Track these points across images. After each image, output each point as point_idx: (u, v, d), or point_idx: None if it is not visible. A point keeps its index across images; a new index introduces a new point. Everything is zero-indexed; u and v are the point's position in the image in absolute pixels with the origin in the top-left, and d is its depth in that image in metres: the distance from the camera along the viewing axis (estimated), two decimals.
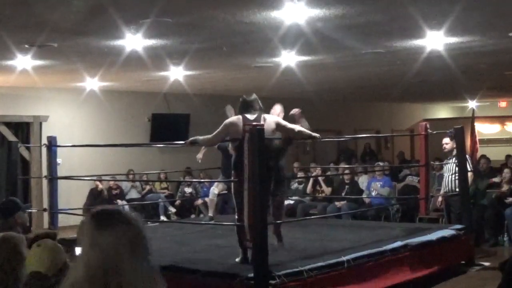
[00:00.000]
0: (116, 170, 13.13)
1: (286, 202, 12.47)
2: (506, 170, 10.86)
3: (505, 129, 23.10)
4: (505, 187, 10.56)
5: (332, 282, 6.36)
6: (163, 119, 14.92)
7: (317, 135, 6.78)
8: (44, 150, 9.69)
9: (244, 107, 6.51)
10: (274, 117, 6.66)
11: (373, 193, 11.75)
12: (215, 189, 9.61)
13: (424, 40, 8.13)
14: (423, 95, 18.62)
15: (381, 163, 13.88)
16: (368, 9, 6.34)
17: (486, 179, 10.96)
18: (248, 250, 6.33)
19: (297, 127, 6.73)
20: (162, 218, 13.62)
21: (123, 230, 1.90)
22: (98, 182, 13.32)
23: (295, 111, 7.38)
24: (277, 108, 7.20)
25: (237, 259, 6.48)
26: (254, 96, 6.59)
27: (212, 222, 9.14)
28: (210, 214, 9.77)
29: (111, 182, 13.53)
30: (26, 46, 7.84)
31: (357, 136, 16.35)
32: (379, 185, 11.70)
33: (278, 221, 6.95)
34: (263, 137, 6.07)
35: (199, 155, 10.06)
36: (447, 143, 9.51)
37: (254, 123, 6.21)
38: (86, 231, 1.93)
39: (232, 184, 6.51)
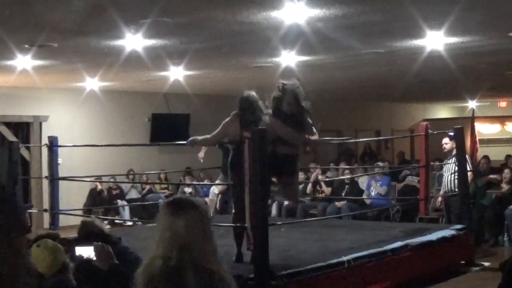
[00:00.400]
0: (116, 170, 13.13)
1: (286, 202, 12.51)
2: (506, 171, 10.85)
3: (505, 129, 23.10)
4: (505, 187, 10.56)
5: (332, 282, 6.37)
6: (163, 119, 14.92)
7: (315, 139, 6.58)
8: (44, 150, 9.68)
9: (244, 107, 6.28)
10: (273, 121, 6.29)
11: (373, 193, 11.75)
12: (215, 189, 9.63)
13: (424, 40, 8.13)
14: (423, 95, 18.63)
15: (380, 163, 13.89)
16: (368, 9, 6.34)
17: (485, 177, 10.96)
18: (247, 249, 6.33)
19: (292, 135, 6.34)
20: None
21: (194, 215, 2.35)
22: (97, 182, 13.31)
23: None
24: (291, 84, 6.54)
25: (233, 258, 6.47)
26: (254, 95, 6.32)
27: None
28: (210, 214, 9.77)
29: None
30: (26, 46, 7.84)
31: (358, 140, 16.33)
32: (378, 184, 11.72)
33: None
34: (264, 140, 6.01)
35: (201, 154, 10.05)
36: (447, 143, 9.51)
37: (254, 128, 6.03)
38: (162, 217, 2.36)
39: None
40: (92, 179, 12.60)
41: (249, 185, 5.98)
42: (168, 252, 2.27)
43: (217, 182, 9.79)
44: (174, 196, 2.57)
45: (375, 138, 19.23)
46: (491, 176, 10.97)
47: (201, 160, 10.06)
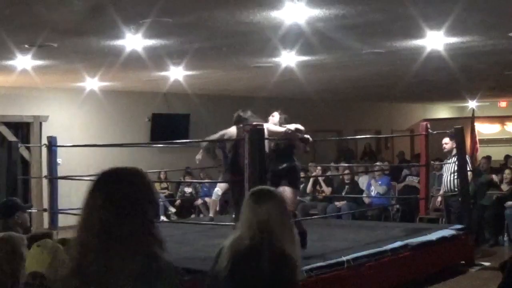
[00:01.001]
0: None
1: None
2: (507, 172, 10.85)
3: (505, 129, 23.07)
4: (505, 188, 10.56)
5: (332, 282, 6.36)
6: (163, 119, 14.91)
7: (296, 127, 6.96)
8: (44, 150, 9.69)
9: (239, 121, 7.02)
10: (265, 125, 6.78)
11: (373, 193, 11.76)
12: (219, 190, 9.58)
13: (424, 40, 8.12)
14: (423, 95, 18.61)
15: (379, 163, 13.88)
16: (368, 9, 6.34)
17: (485, 175, 10.96)
18: None
19: (282, 129, 6.85)
20: (162, 218, 13.60)
21: (273, 203, 2.77)
22: None
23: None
24: (276, 116, 7.19)
25: None
26: (249, 113, 7.06)
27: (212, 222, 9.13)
28: (211, 214, 9.75)
29: None
30: (26, 46, 7.83)
31: (357, 137, 16.32)
32: (377, 184, 11.72)
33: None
34: (263, 137, 6.12)
35: (198, 156, 10.03)
36: (447, 143, 9.51)
37: (254, 123, 6.38)
38: (247, 204, 2.82)
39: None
40: (92, 178, 12.59)
41: (248, 183, 6.05)
42: (252, 234, 2.70)
43: (218, 183, 9.77)
44: (257, 187, 3.18)
45: (374, 136, 19.23)
46: (493, 175, 10.98)
47: (198, 162, 10.04)
